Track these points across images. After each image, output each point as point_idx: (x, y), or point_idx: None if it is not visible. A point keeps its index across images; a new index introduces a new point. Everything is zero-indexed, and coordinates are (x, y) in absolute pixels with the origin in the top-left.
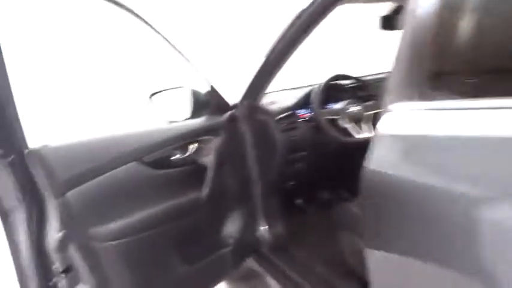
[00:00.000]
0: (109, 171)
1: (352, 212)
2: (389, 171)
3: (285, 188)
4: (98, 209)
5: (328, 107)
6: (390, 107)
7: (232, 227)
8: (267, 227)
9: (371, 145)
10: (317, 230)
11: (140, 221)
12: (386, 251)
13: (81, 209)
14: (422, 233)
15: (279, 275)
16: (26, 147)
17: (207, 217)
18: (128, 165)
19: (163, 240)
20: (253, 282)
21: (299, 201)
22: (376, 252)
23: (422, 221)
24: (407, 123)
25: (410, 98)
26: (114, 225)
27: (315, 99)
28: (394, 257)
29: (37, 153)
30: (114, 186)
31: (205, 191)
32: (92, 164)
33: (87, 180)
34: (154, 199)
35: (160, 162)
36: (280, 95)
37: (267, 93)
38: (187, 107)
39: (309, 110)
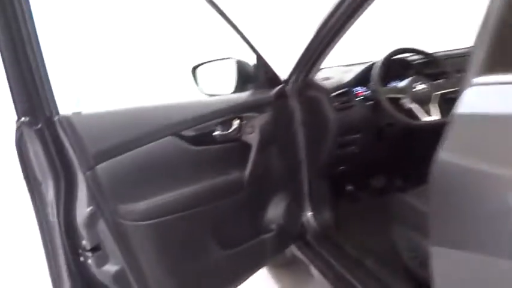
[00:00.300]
0: (144, 145)
1: (408, 203)
2: (472, 160)
3: (334, 173)
4: (130, 186)
5: (390, 84)
6: (475, 80)
7: (275, 212)
8: (312, 213)
9: (447, 129)
10: (367, 220)
11: (175, 200)
12: (462, 251)
13: (112, 185)
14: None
15: (323, 266)
16: (57, 113)
17: (248, 199)
18: (165, 139)
19: (200, 223)
20: (295, 269)
21: (349, 187)
22: (446, 251)
23: None
24: (497, 100)
25: (504, 68)
26: (147, 204)
27: (375, 74)
28: (471, 259)
29: (68, 121)
30: (148, 162)
31: (247, 171)
32: (126, 135)
33: (121, 153)
34: (192, 178)
35: (200, 138)
36: (335, 71)
37: (321, 69)
38: (232, 80)
39: (366, 88)
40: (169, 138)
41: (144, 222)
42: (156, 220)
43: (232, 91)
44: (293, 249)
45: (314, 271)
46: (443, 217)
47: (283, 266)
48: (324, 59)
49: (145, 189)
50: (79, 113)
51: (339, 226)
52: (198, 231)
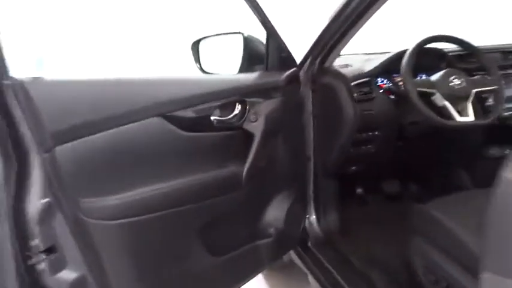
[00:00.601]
0: (122, 125)
1: (430, 215)
2: None
3: (344, 173)
4: (100, 175)
5: (419, 76)
6: None
7: (275, 214)
8: (316, 216)
9: None
10: (378, 228)
11: (157, 196)
12: None
13: (76, 172)
14: None
15: (323, 277)
16: (7, 77)
17: (245, 199)
18: (148, 121)
19: (186, 224)
20: (291, 274)
21: (359, 190)
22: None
23: None
24: None
25: None
26: (119, 199)
27: (406, 64)
28: None
29: (22, 88)
30: (125, 147)
31: (247, 165)
32: (99, 112)
33: (90, 134)
34: (179, 169)
35: (193, 122)
36: (354, 58)
37: (340, 55)
38: (238, 59)
39: (387, 80)
40: (154, 119)
41: (115, 222)
42: (130, 219)
43: (237, 71)
44: (291, 254)
45: (312, 280)
46: (506, 242)
47: (278, 270)
48: (346, 43)
49: (119, 181)
50: (39, 79)
51: (344, 232)
52: (183, 234)
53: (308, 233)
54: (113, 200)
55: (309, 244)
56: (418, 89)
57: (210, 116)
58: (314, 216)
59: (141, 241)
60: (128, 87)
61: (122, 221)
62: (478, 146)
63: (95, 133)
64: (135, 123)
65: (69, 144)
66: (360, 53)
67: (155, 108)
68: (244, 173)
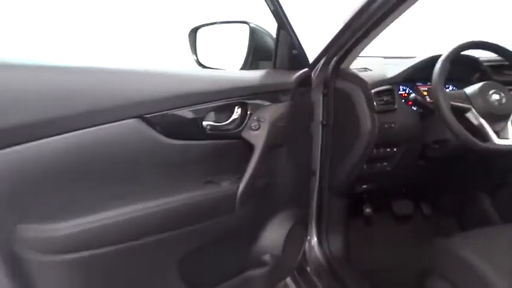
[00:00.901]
0: (79, 129)
1: (448, 250)
2: None
3: (353, 192)
4: (48, 194)
5: (449, 88)
6: None
7: (272, 239)
8: (318, 239)
9: None
10: (386, 252)
11: (125, 222)
12: None
13: (11, 189)
14: None
15: None
16: None
17: (237, 223)
18: (120, 123)
19: (161, 256)
20: None
21: (368, 209)
22: None
23: None
24: None
25: None
26: (72, 226)
27: (439, 72)
28: None
29: None
30: (85, 157)
31: (242, 184)
32: (46, 109)
33: (30, 140)
34: (157, 187)
35: (180, 128)
36: (374, 62)
37: (358, 57)
38: (242, 52)
39: (409, 89)
40: (128, 121)
41: (67, 256)
42: (87, 253)
43: (239, 67)
44: (286, 280)
45: None
46: None
47: None
48: (367, 44)
49: (75, 202)
50: None
51: (348, 258)
52: (159, 269)
53: (307, 257)
54: (65, 227)
55: (308, 270)
56: (454, 103)
57: (202, 120)
58: (315, 239)
59: (103, 281)
60: (93, 77)
61: (76, 255)
62: (505, 171)
63: (38, 139)
64: (101, 126)
65: (2, 152)
66: (377, 56)
67: (130, 108)
68: (238, 193)
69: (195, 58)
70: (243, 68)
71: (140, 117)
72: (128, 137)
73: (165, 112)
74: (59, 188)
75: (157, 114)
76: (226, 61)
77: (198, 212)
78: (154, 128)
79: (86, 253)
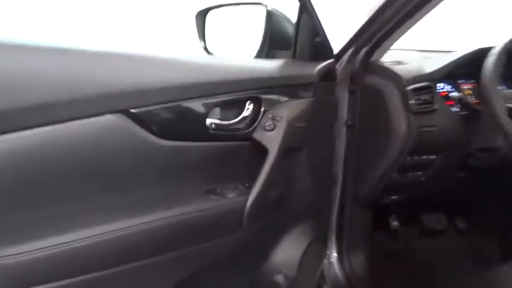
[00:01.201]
0: (45, 125)
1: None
2: None
3: (380, 203)
4: None
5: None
6: None
7: (286, 257)
8: (338, 255)
9: None
10: (415, 271)
11: (105, 244)
12: None
13: None
14: None
15: None
16: None
17: (246, 242)
18: (101, 118)
19: (149, 285)
20: None
21: (395, 223)
22: None
23: None
24: None
25: None
26: (36, 251)
27: (490, 68)
28: None
29: None
30: (55, 159)
31: (252, 195)
32: (14, 99)
33: None
34: (148, 199)
35: (177, 126)
36: (409, 55)
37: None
38: (257, 39)
39: (451, 87)
40: (108, 117)
41: None
42: (53, 285)
43: (253, 56)
44: None
45: None
46: None
47: None
48: (401, 35)
49: (37, 219)
50: None
51: (372, 278)
52: None
53: (326, 275)
54: (23, 252)
55: None
56: (507, 104)
57: (204, 117)
58: (335, 255)
59: None
60: (63, 59)
61: None
62: None
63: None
64: (69, 123)
65: None
66: (411, 49)
67: (110, 99)
68: (247, 206)
69: (203, 44)
70: (258, 57)
71: (123, 111)
72: (106, 137)
73: (158, 106)
74: (15, 199)
75: (147, 108)
76: (238, 49)
77: (197, 230)
78: (143, 126)
79: (49, 286)
